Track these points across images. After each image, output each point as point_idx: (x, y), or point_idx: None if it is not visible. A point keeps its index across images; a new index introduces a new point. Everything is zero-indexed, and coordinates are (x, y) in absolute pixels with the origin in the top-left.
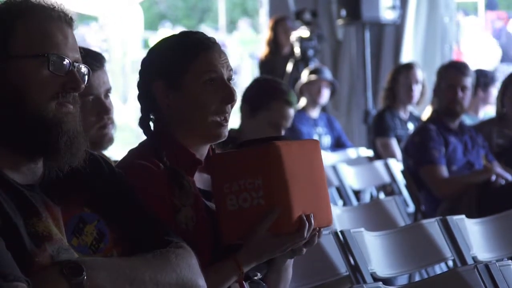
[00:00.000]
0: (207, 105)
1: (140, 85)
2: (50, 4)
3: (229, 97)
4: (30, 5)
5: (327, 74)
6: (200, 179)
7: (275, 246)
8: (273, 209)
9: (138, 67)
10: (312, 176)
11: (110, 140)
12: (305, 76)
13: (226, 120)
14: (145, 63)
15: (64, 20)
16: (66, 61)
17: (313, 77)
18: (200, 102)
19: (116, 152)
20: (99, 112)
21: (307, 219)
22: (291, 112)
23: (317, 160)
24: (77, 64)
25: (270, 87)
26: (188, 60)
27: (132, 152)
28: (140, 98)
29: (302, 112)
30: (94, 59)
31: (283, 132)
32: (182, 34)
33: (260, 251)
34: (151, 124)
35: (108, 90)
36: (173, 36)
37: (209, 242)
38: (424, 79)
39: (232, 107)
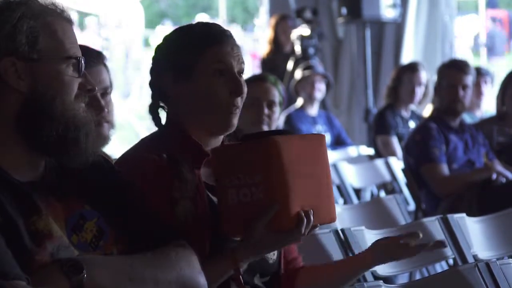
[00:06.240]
0: (215, 96)
1: (152, 72)
2: (61, 6)
3: (238, 90)
4: (49, 9)
5: (319, 68)
6: (209, 174)
7: (273, 243)
8: (271, 204)
9: (138, 65)
10: (314, 171)
11: (105, 139)
12: (298, 74)
13: (235, 110)
14: (158, 50)
15: (71, 21)
16: (82, 63)
17: (306, 72)
18: (208, 93)
19: (115, 150)
20: (92, 110)
21: (306, 215)
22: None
23: (321, 155)
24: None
25: None
26: (198, 50)
27: (139, 143)
28: (151, 84)
29: (300, 110)
30: (91, 57)
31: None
32: (197, 24)
33: (258, 247)
34: (162, 114)
35: (105, 89)
36: (188, 26)
37: (208, 236)
38: (428, 80)
39: (242, 99)
